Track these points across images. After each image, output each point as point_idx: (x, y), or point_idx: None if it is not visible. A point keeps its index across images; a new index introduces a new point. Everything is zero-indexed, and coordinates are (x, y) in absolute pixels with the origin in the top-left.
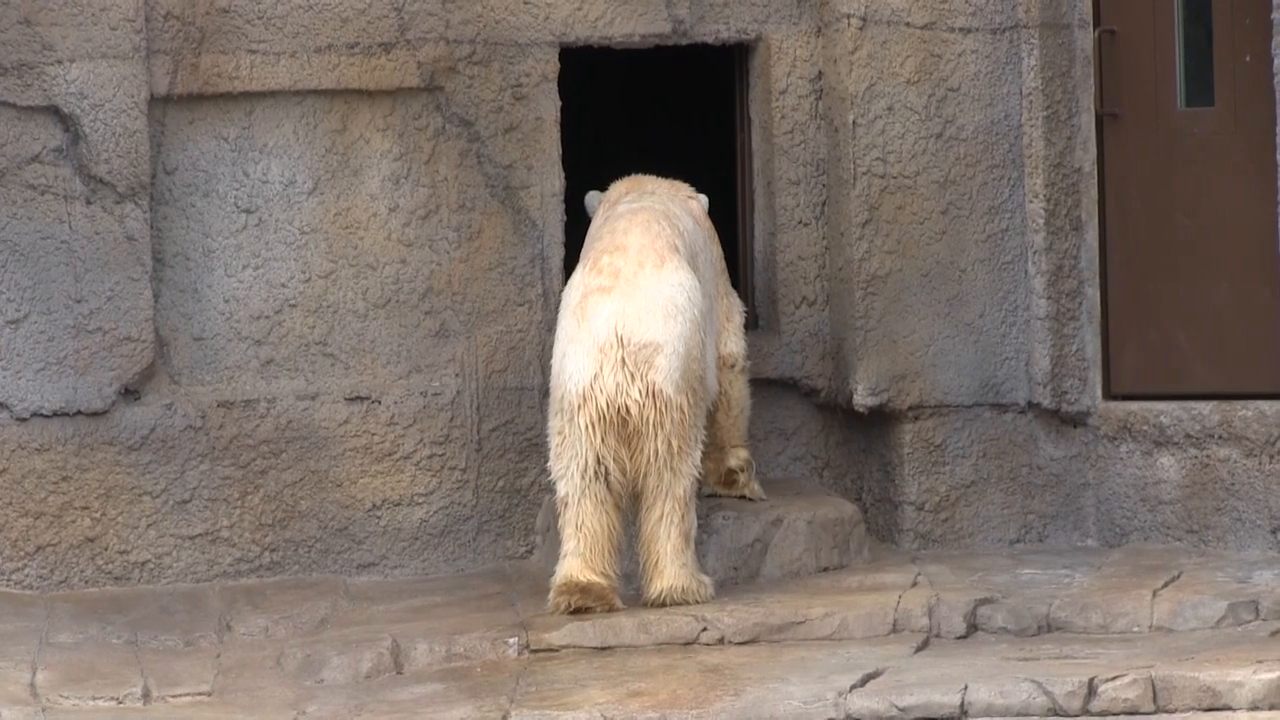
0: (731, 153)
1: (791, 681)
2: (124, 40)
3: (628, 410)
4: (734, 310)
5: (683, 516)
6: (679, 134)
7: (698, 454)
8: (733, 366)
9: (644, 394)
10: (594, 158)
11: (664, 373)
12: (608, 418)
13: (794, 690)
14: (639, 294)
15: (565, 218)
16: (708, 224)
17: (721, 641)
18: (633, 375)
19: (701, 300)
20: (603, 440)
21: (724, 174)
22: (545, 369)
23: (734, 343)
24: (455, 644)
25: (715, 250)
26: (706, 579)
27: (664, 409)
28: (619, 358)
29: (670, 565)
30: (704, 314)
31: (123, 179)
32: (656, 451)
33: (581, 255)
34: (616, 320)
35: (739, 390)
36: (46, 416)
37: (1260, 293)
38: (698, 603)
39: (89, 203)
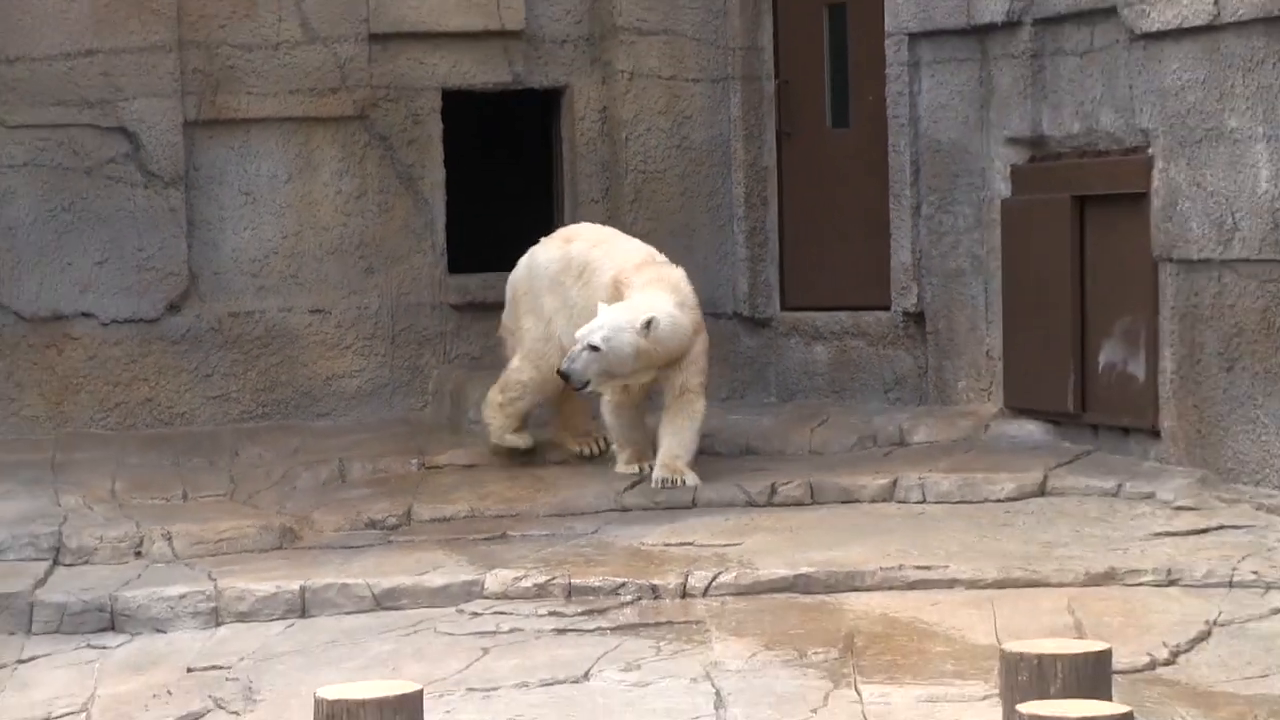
0: (550, 166)
1: (588, 486)
2: (168, 86)
3: None
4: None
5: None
6: (517, 156)
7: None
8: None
9: None
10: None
11: None
12: None
13: (590, 490)
14: None
15: (446, 197)
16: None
17: (546, 463)
18: None
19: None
20: None
21: (545, 180)
22: (434, 293)
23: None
24: (379, 464)
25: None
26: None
27: None
28: None
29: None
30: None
31: (167, 173)
32: None
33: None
34: None
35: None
36: (120, 323)
37: (874, 244)
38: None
39: (146, 188)
